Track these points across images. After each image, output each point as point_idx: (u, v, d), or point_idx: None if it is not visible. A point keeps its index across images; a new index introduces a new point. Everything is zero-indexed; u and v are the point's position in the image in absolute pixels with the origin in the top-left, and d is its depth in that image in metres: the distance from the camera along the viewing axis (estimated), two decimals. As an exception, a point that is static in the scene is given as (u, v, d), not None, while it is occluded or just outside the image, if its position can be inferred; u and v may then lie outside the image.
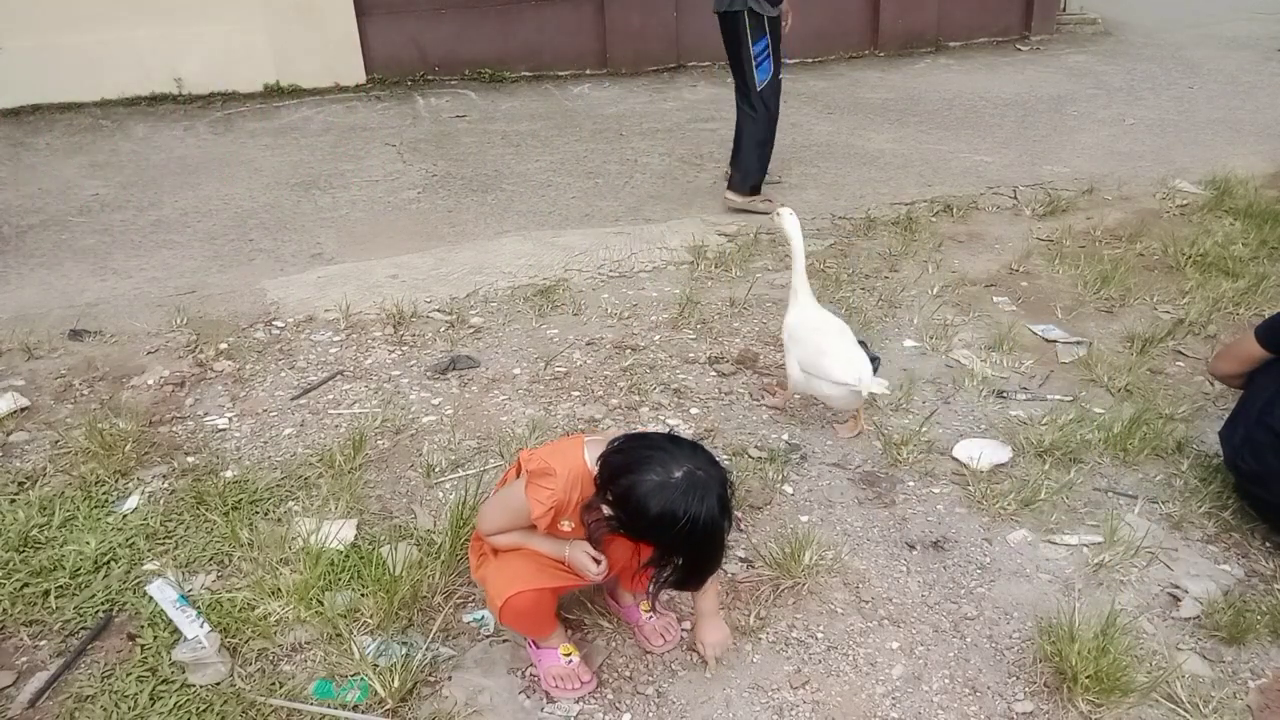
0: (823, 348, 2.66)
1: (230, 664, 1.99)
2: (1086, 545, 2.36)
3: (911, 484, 2.62)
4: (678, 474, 1.64)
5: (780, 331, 2.87)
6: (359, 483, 2.60)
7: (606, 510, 1.71)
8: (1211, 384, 3.09)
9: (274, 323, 3.60)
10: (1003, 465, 2.67)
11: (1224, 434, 2.51)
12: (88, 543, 2.34)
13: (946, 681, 1.98)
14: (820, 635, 2.09)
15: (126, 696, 1.92)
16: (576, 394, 3.07)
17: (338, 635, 2.05)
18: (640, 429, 2.89)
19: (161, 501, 2.53)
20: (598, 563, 1.85)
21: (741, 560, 2.32)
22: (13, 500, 2.53)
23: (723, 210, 4.77)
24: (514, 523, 1.86)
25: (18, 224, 4.72)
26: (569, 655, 1.97)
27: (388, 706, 1.88)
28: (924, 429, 2.83)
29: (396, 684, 1.90)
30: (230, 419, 2.96)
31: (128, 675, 1.97)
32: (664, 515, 1.62)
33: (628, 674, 2.01)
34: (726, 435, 2.84)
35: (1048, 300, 3.76)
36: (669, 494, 1.62)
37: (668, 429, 2.84)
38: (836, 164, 5.60)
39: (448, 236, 4.46)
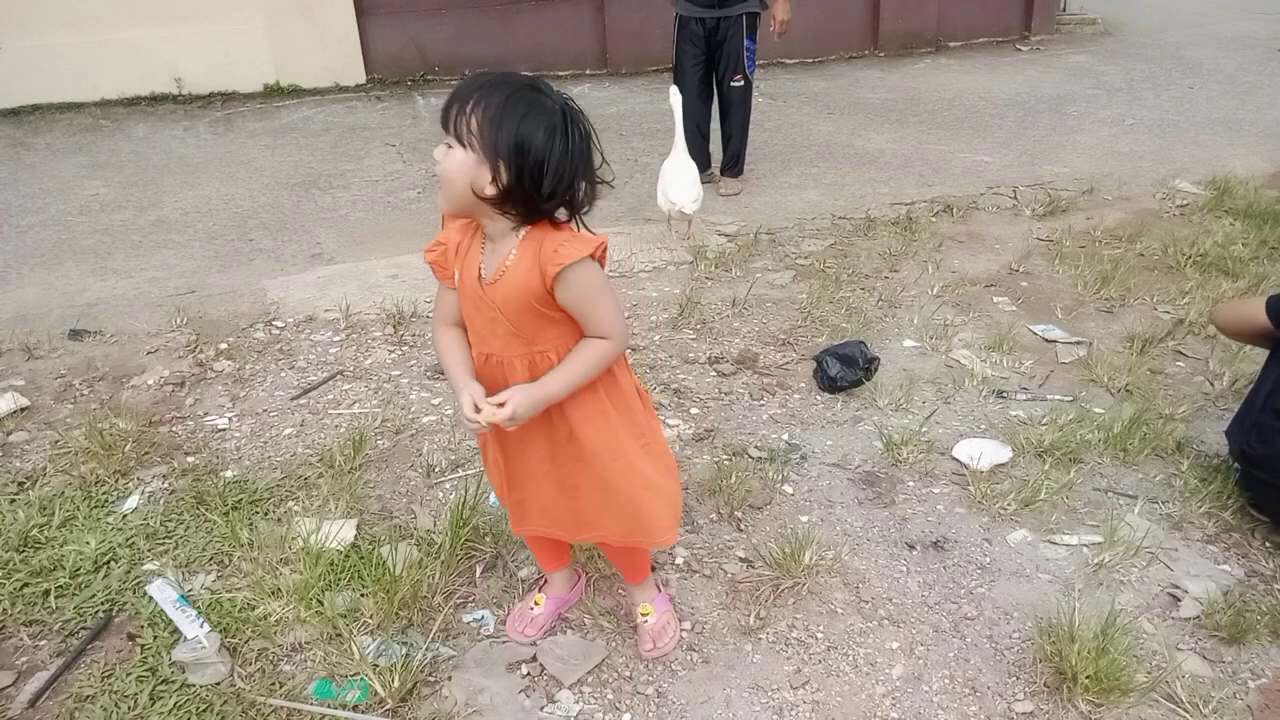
0: (672, 181, 4.21)
1: (230, 664, 1.99)
2: (1086, 545, 2.36)
3: (911, 484, 2.62)
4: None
5: (781, 333, 2.88)
6: (359, 483, 2.60)
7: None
8: (1211, 384, 3.09)
9: (274, 323, 3.60)
10: (1003, 465, 2.67)
11: (1231, 430, 2.52)
12: (88, 543, 2.34)
13: (946, 681, 1.98)
14: (820, 635, 2.09)
15: (126, 696, 1.92)
16: (576, 394, 3.06)
17: (338, 635, 2.05)
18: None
19: (161, 501, 2.53)
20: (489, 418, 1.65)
21: (741, 560, 2.32)
22: (13, 500, 2.53)
23: (723, 210, 4.78)
24: (440, 291, 1.76)
25: (18, 224, 4.72)
26: (537, 605, 2.09)
27: (388, 706, 1.88)
28: (924, 429, 2.83)
29: (396, 684, 1.90)
30: (230, 419, 2.96)
31: (128, 675, 1.97)
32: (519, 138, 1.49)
33: (628, 674, 2.01)
34: (726, 435, 2.84)
35: (1048, 300, 3.76)
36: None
37: (667, 429, 2.84)
38: (836, 164, 5.60)
39: (448, 236, 4.46)
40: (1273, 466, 2.33)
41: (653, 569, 2.11)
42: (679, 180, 4.18)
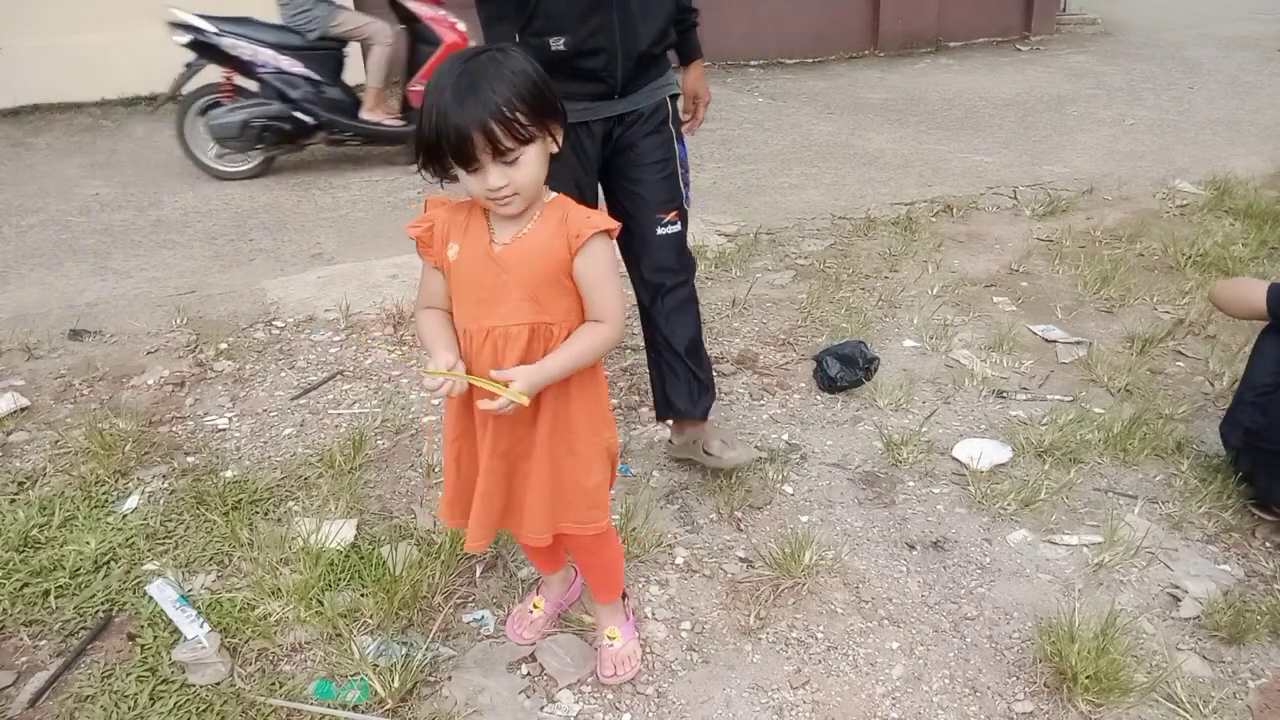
0: None
1: (230, 664, 1.99)
2: (1086, 545, 2.36)
3: (911, 484, 2.62)
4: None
5: (781, 333, 2.89)
6: (359, 483, 2.60)
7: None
8: (1211, 384, 3.09)
9: (274, 323, 3.60)
10: (1003, 465, 2.67)
11: (1225, 424, 2.54)
12: (88, 543, 2.34)
13: (946, 681, 1.98)
14: (820, 635, 2.09)
15: (126, 696, 1.92)
16: (576, 394, 3.06)
17: (338, 635, 2.05)
18: (640, 429, 2.90)
19: (161, 501, 2.53)
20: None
21: (741, 560, 2.32)
22: (13, 500, 2.53)
23: (723, 210, 4.77)
24: (424, 274, 1.72)
25: (18, 224, 4.72)
26: (536, 608, 2.08)
27: (388, 706, 1.88)
28: (924, 429, 2.83)
29: (396, 684, 1.90)
30: (230, 419, 2.96)
31: (128, 675, 1.97)
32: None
33: (628, 674, 2.01)
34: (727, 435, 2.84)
35: (1048, 300, 3.76)
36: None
37: (666, 428, 2.84)
38: (836, 164, 5.60)
39: (448, 236, 4.46)
40: (1273, 435, 2.34)
41: (624, 595, 2.06)
42: None
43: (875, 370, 3.13)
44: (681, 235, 2.49)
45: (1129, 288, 3.81)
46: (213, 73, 5.22)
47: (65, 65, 6.74)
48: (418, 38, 5.37)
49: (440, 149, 1.48)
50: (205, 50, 5.10)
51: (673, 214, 2.45)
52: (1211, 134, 6.14)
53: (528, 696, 1.94)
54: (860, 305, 3.67)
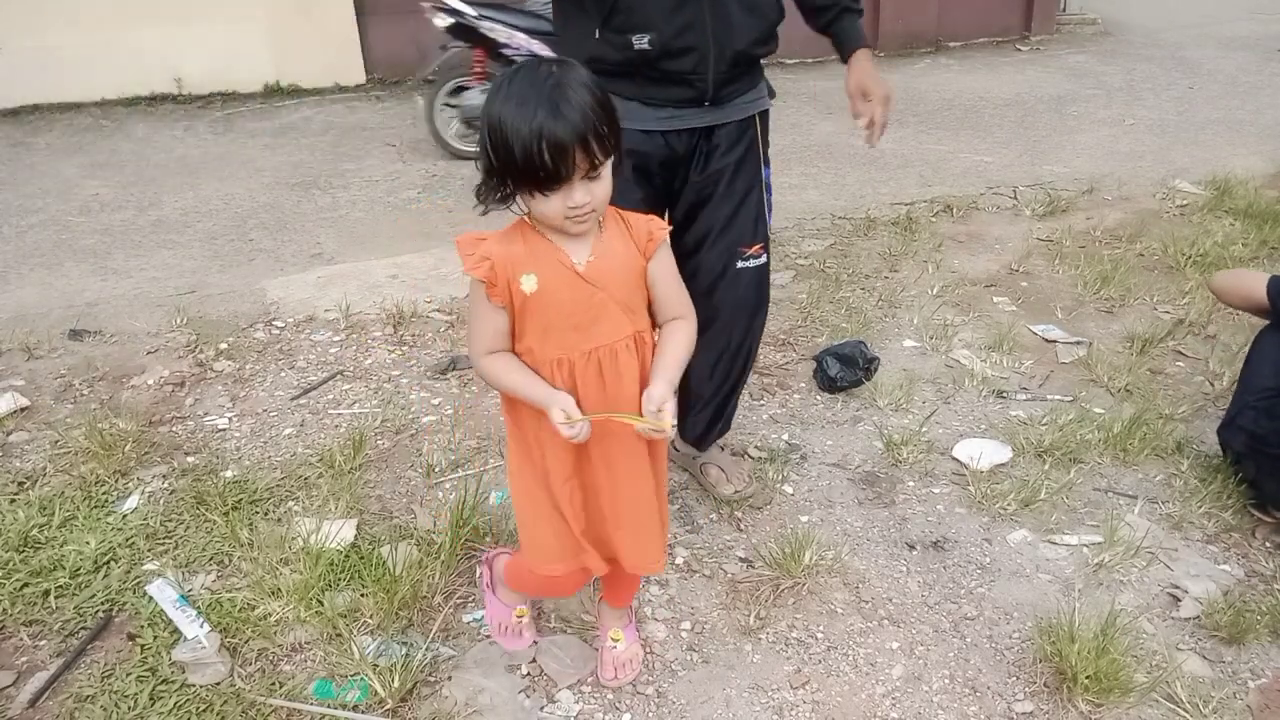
0: None
1: (230, 664, 1.99)
2: (1086, 545, 2.36)
3: (911, 484, 2.62)
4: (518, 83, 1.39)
5: (781, 333, 2.87)
6: (359, 483, 2.60)
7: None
8: (1211, 384, 3.09)
9: (274, 323, 3.60)
10: (1003, 465, 2.67)
11: (1224, 427, 2.53)
12: (88, 543, 2.34)
13: (946, 681, 1.98)
14: (820, 635, 2.09)
15: (126, 696, 1.92)
16: (576, 394, 3.06)
17: (338, 635, 2.05)
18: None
19: (161, 501, 2.53)
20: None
21: (741, 560, 2.32)
22: (13, 500, 2.53)
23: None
24: (478, 310, 1.56)
25: (18, 224, 4.72)
26: (521, 617, 2.03)
27: (388, 706, 1.88)
28: (924, 429, 2.83)
29: (396, 684, 1.90)
30: (230, 419, 2.96)
31: (128, 675, 1.97)
32: (491, 123, 1.40)
33: (628, 674, 2.01)
34: (726, 435, 2.84)
35: (1048, 300, 3.76)
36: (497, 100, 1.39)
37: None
38: (836, 164, 5.60)
39: (448, 236, 4.46)
40: None
41: None
42: None
43: (875, 370, 3.13)
44: (765, 268, 2.27)
45: (1129, 288, 3.81)
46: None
47: (65, 65, 6.74)
48: None
49: (528, 168, 1.38)
50: (462, 33, 5.37)
51: (757, 247, 2.22)
52: (1211, 134, 6.14)
53: (528, 696, 1.94)
54: (860, 305, 3.67)
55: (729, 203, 2.16)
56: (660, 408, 1.52)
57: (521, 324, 1.56)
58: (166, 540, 2.38)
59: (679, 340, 1.62)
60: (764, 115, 2.22)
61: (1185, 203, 4.83)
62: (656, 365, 1.59)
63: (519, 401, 1.59)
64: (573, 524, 1.66)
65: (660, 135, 2.06)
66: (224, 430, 2.90)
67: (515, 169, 1.39)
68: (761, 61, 2.15)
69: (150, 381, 3.17)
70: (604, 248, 1.55)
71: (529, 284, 1.51)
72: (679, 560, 2.32)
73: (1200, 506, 2.49)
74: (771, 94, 2.25)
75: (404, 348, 3.39)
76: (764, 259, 2.25)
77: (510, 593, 2.02)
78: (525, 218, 1.54)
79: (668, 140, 2.08)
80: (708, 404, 2.42)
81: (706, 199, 2.16)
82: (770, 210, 2.26)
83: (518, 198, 1.47)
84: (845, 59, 2.25)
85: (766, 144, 2.23)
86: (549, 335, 1.55)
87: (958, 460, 2.70)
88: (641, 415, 1.54)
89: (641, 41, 1.95)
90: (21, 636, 2.09)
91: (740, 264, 2.20)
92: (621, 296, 1.56)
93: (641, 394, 1.56)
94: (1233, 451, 2.52)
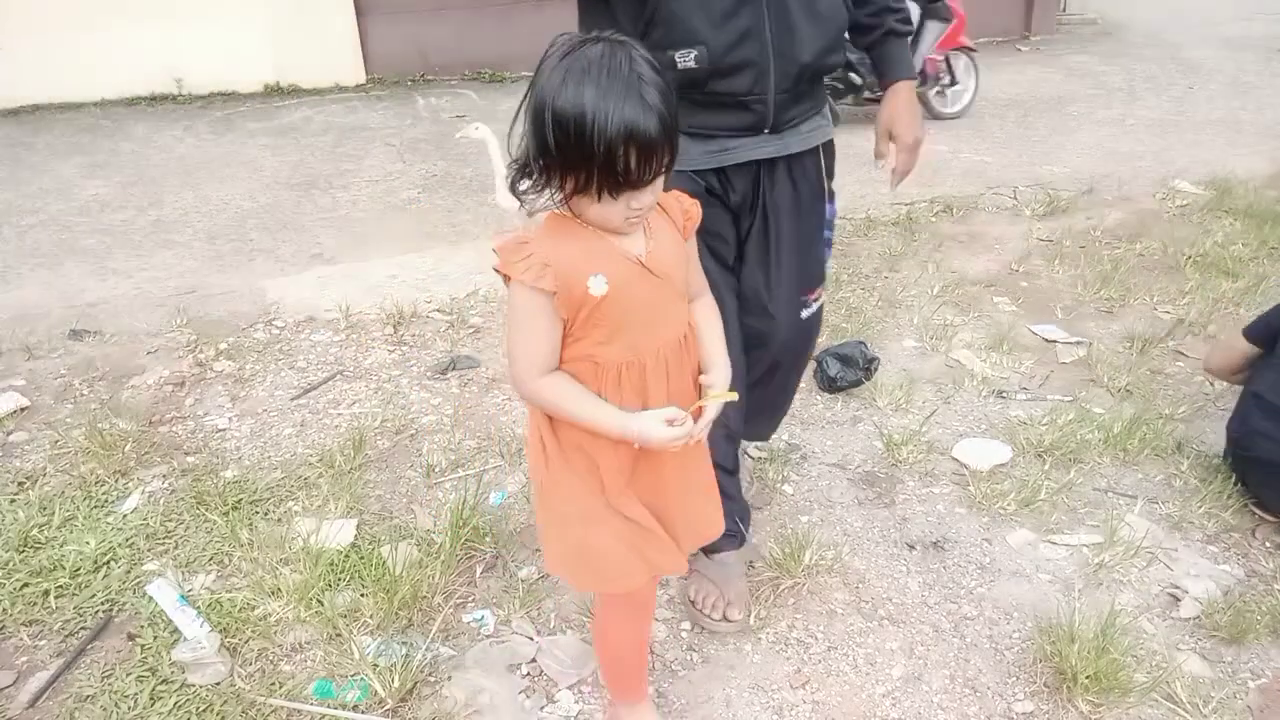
0: (499, 190, 3.82)
1: (230, 664, 1.99)
2: (1086, 545, 2.36)
3: (911, 484, 2.62)
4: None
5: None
6: (359, 483, 2.60)
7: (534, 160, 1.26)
8: (1211, 384, 3.09)
9: (274, 323, 3.60)
10: (1003, 465, 2.67)
11: (1231, 425, 2.54)
12: (88, 543, 2.34)
13: (946, 681, 1.98)
14: (820, 635, 2.09)
15: (126, 696, 1.92)
16: (576, 394, 3.06)
17: (338, 635, 2.05)
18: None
19: (161, 501, 2.53)
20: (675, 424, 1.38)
21: (741, 560, 2.32)
22: (13, 500, 2.53)
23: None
24: (534, 326, 1.34)
25: (18, 224, 4.72)
26: None
27: (388, 706, 1.88)
28: (924, 429, 2.83)
29: (396, 684, 1.90)
30: (230, 419, 2.96)
31: (128, 675, 1.97)
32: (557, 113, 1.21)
33: (628, 674, 2.01)
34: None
35: (1048, 300, 3.76)
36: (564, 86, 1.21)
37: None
38: (836, 164, 5.59)
39: (448, 236, 4.46)
40: (1253, 440, 2.39)
41: None
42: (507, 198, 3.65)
43: (875, 370, 3.13)
44: (821, 311, 2.06)
45: (1129, 288, 3.81)
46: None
47: (65, 65, 6.75)
48: (927, 14, 5.65)
49: (609, 167, 1.20)
50: None
51: (818, 291, 2.01)
52: (1211, 134, 6.14)
53: (528, 696, 1.94)
54: (860, 305, 3.67)
55: (791, 250, 1.90)
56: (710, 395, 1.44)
57: (582, 332, 1.36)
58: (166, 540, 2.38)
59: (711, 320, 1.52)
60: (829, 146, 1.97)
61: (1185, 203, 4.83)
62: (707, 354, 1.49)
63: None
64: (641, 520, 1.48)
65: (713, 175, 1.77)
66: (224, 430, 2.90)
67: (588, 166, 1.21)
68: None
69: (150, 381, 3.17)
70: (658, 235, 1.38)
71: (598, 286, 1.31)
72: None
73: (1200, 506, 2.49)
74: (836, 119, 1.96)
75: (404, 348, 3.39)
76: (822, 300, 2.04)
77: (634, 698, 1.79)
78: (561, 211, 1.34)
79: (722, 181, 1.79)
80: (771, 419, 2.30)
81: (766, 246, 1.90)
82: (829, 246, 2.04)
83: (562, 194, 1.29)
84: (884, 88, 2.01)
85: (832, 175, 1.99)
86: (616, 339, 1.36)
87: (958, 460, 2.70)
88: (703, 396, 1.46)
89: (687, 59, 1.66)
90: (21, 636, 2.09)
91: (804, 313, 1.99)
92: (680, 284, 1.43)
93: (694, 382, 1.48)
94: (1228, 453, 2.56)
